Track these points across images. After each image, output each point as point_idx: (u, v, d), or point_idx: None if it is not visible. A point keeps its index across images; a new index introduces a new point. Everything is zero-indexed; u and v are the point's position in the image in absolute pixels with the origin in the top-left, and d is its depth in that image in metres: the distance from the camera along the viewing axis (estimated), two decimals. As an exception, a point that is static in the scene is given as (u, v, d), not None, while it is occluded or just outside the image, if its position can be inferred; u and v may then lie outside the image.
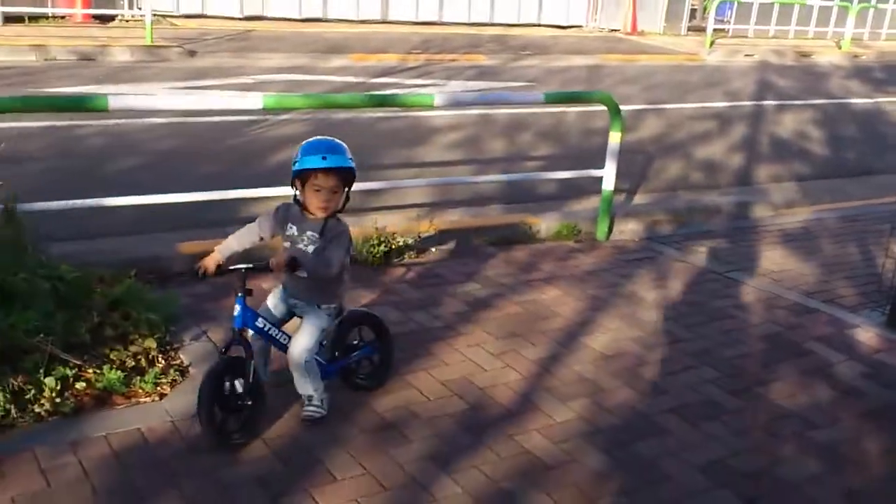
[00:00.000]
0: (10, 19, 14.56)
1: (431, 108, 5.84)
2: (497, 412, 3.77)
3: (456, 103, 7.26)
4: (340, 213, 3.53)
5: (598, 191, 6.09)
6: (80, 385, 3.64)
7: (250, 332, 3.48)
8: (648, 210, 6.76)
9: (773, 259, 5.95)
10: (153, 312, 4.13)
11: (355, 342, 3.86)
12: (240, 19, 16.84)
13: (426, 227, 5.77)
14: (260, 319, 3.48)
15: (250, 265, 3.39)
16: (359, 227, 5.44)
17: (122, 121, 8.35)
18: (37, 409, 3.45)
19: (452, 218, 6.25)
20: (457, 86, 11.83)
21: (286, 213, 3.56)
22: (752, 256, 6.00)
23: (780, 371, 4.33)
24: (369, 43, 15.64)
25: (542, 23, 19.89)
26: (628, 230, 6.35)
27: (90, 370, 3.73)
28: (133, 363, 3.85)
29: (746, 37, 21.04)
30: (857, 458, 3.62)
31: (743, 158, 9.07)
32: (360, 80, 12.02)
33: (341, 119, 9.23)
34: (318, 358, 3.59)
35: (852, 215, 7.09)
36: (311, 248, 3.47)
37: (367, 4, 17.91)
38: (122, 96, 4.90)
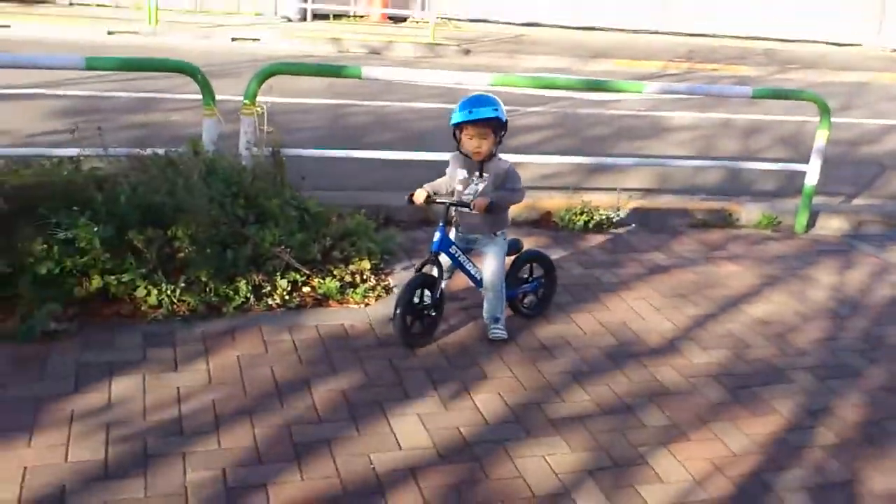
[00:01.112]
0: (318, 16, 16.53)
1: (640, 93, 6.36)
2: (641, 349, 4.33)
3: (665, 91, 7.70)
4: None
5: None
6: (305, 289, 4.61)
7: (443, 255, 4.28)
8: (858, 210, 6.87)
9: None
10: (374, 243, 5.06)
11: (525, 276, 4.58)
12: (519, 24, 17.90)
13: (625, 204, 6.33)
14: (453, 247, 4.27)
15: (455, 202, 4.16)
16: (567, 198, 6.14)
17: (389, 103, 9.52)
18: (269, 302, 4.44)
19: (658, 200, 6.74)
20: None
21: (456, 161, 4.25)
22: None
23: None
24: (635, 50, 16.12)
25: (819, 39, 19.34)
26: (831, 226, 6.54)
27: (316, 279, 4.68)
28: (350, 279, 4.77)
29: None
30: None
31: None
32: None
33: (585, 114, 9.90)
34: None
35: None
36: (480, 186, 4.17)
37: (640, 13, 18.34)
38: (373, 68, 5.82)
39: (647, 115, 10.20)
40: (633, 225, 6.30)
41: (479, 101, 4.05)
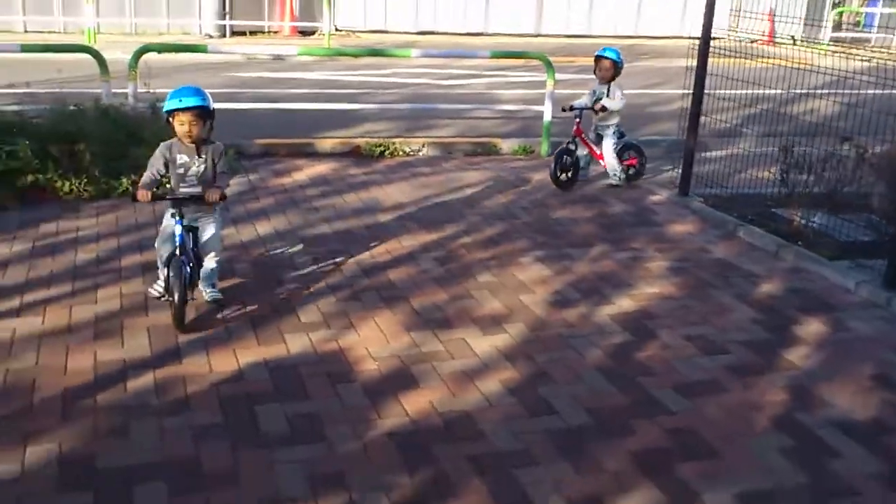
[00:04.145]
0: (236, 32, 19.14)
1: (409, 57, 9.10)
2: (381, 208, 6.94)
3: (425, 55, 10.76)
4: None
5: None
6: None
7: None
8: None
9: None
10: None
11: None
12: (414, 33, 20.61)
13: (426, 142, 8.99)
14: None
15: (185, 196, 4.70)
16: (367, 136, 8.78)
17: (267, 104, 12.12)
18: (147, 190, 7.01)
19: (449, 140, 9.39)
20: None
21: (173, 149, 4.67)
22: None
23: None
24: (515, 48, 18.82)
25: (672, 35, 22.14)
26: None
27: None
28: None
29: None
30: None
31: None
32: (439, 71, 15.27)
33: (432, 93, 12.56)
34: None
35: None
36: (202, 168, 4.69)
37: (522, 19, 21.12)
38: (219, 43, 8.44)
39: (481, 92, 12.89)
40: (422, 154, 8.92)
41: (188, 91, 4.53)
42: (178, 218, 4.56)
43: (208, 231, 4.76)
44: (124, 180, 6.88)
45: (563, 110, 7.62)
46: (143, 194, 4.56)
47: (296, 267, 5.62)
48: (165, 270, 4.53)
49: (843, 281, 5.62)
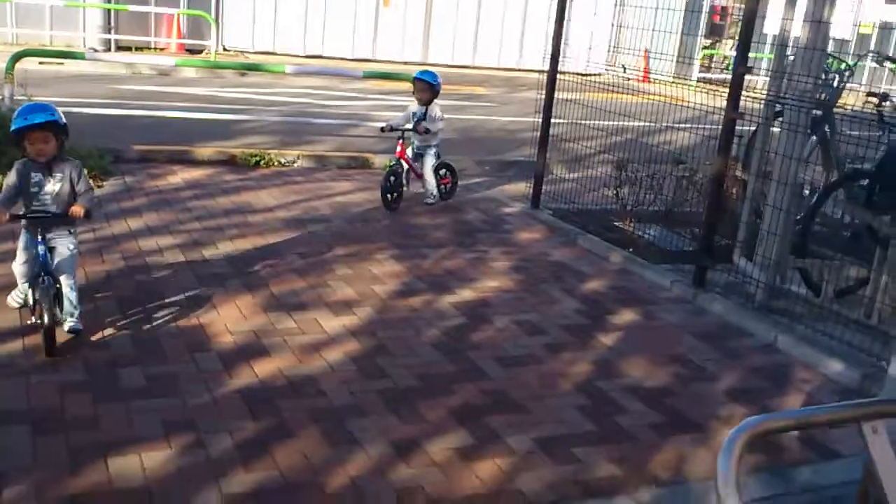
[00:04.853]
0: (121, 48, 19.24)
1: (284, 72, 9.62)
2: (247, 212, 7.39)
3: (301, 72, 11.32)
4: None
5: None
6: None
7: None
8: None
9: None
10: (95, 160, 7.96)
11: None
12: (303, 56, 21.07)
13: (302, 154, 9.47)
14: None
15: (41, 215, 4.42)
16: (244, 147, 9.21)
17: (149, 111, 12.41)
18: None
19: (324, 154, 9.91)
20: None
21: (23, 168, 4.39)
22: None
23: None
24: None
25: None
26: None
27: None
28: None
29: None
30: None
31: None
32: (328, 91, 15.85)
33: (312, 111, 13.06)
34: None
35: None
36: (57, 186, 4.41)
37: (409, 48, 21.88)
38: (99, 53, 8.76)
39: (362, 113, 13.45)
40: (297, 165, 9.41)
41: (35, 108, 4.30)
42: (39, 237, 4.37)
43: (62, 252, 4.49)
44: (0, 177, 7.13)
45: (383, 130, 7.91)
46: (0, 215, 4.28)
47: (164, 257, 6.01)
48: (25, 286, 4.51)
49: (661, 280, 6.37)
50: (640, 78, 8.08)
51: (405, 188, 7.95)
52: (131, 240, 6.32)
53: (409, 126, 7.84)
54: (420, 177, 8.07)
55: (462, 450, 3.89)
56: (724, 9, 25.32)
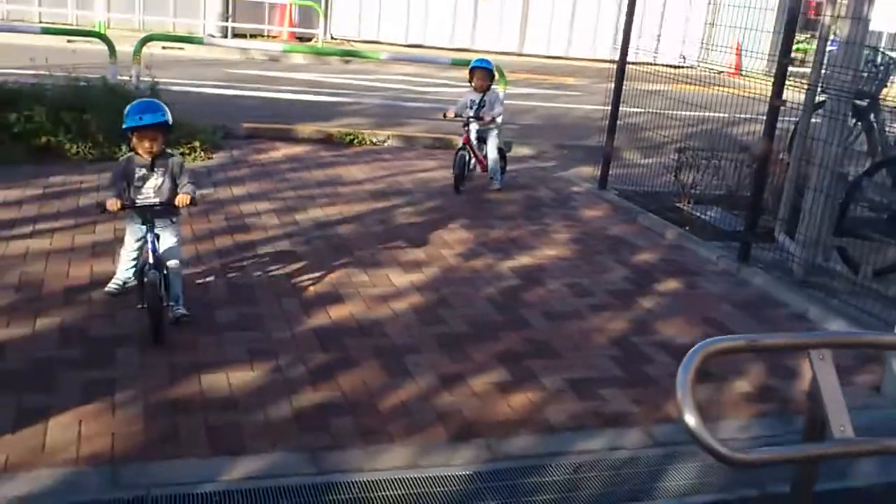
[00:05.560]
0: (237, 35, 20.40)
1: (379, 59, 10.34)
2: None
3: (396, 59, 12.57)
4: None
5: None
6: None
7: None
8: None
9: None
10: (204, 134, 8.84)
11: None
12: (404, 45, 21.89)
13: (392, 135, 10.21)
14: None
15: (155, 204, 4.60)
16: (341, 127, 10.00)
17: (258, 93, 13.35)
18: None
19: (412, 136, 10.63)
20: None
21: (129, 164, 4.57)
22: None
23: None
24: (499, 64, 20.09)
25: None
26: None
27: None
28: (188, 151, 8.54)
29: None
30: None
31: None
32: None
33: (408, 95, 13.80)
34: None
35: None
36: (160, 181, 4.62)
37: (506, 39, 22.46)
38: (215, 39, 9.66)
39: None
40: (387, 144, 10.15)
41: (149, 107, 4.41)
42: (148, 225, 4.54)
43: (168, 240, 4.66)
44: (124, 147, 8.04)
45: (444, 117, 8.20)
46: (113, 203, 4.43)
47: (261, 219, 6.81)
48: (127, 273, 4.82)
49: (710, 255, 6.83)
50: (731, 73, 8.37)
51: (470, 171, 8.21)
52: (234, 204, 7.13)
53: (472, 113, 8.05)
54: (485, 169, 8.24)
55: (500, 384, 4.51)
56: (819, 4, 24.96)
